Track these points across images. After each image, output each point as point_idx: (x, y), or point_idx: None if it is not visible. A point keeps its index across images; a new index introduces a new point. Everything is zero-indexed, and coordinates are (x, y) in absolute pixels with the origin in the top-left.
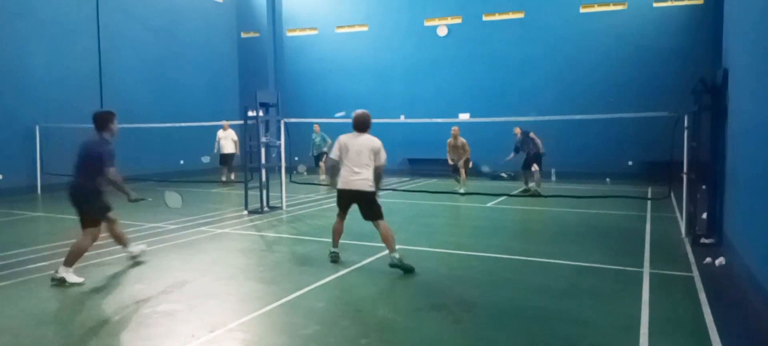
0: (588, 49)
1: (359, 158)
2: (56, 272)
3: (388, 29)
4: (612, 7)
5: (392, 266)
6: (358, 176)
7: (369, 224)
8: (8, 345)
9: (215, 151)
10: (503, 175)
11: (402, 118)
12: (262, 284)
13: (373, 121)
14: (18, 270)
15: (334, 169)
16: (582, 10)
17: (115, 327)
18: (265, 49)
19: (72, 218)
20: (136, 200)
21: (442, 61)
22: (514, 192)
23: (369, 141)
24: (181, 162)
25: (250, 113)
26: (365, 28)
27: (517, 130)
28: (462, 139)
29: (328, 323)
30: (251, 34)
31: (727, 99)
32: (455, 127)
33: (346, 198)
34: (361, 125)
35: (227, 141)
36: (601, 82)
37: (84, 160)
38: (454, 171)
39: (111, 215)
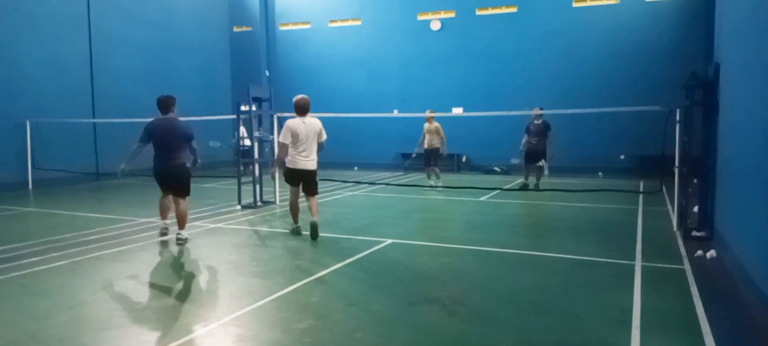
0: (581, 44)
1: (308, 141)
2: (179, 234)
3: (382, 23)
4: (605, 2)
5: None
6: (309, 158)
7: (363, 219)
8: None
9: (233, 140)
10: (496, 168)
11: (395, 113)
12: (255, 278)
13: (367, 115)
14: (9, 266)
15: (282, 156)
16: (575, 5)
17: (107, 322)
18: (258, 43)
19: (63, 213)
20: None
21: (436, 55)
22: (507, 186)
23: (315, 124)
24: None
25: (243, 108)
26: (358, 23)
27: (538, 112)
28: (436, 123)
29: (322, 317)
30: (244, 29)
31: (719, 94)
32: (429, 110)
33: (298, 177)
34: (305, 109)
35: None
36: (594, 76)
37: (177, 141)
38: (428, 163)
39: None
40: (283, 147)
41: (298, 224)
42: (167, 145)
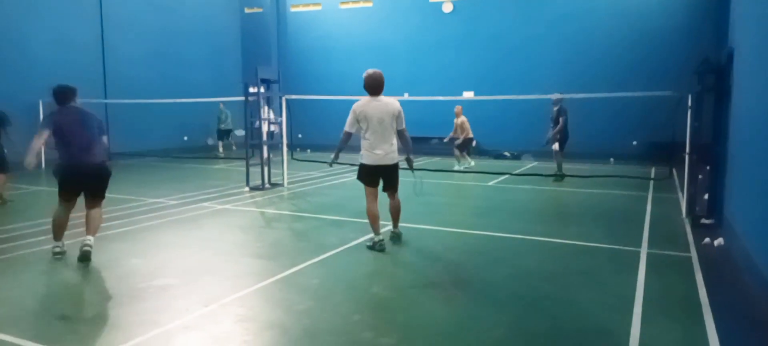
0: (592, 28)
1: (382, 127)
2: (88, 240)
3: (393, 5)
4: None
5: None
6: (387, 149)
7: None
8: (4, 317)
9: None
10: (506, 153)
11: (405, 96)
12: (259, 259)
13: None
14: (19, 243)
15: (343, 144)
16: None
17: (109, 301)
18: (268, 24)
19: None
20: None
21: (447, 38)
22: (516, 171)
23: (391, 106)
24: (185, 138)
25: (251, 90)
26: (369, 5)
27: (556, 96)
28: (462, 117)
29: (321, 299)
30: (254, 10)
31: (732, 79)
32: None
33: (377, 173)
34: (377, 87)
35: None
36: (605, 61)
37: (92, 133)
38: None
39: None
40: (346, 136)
41: (380, 236)
42: (81, 140)
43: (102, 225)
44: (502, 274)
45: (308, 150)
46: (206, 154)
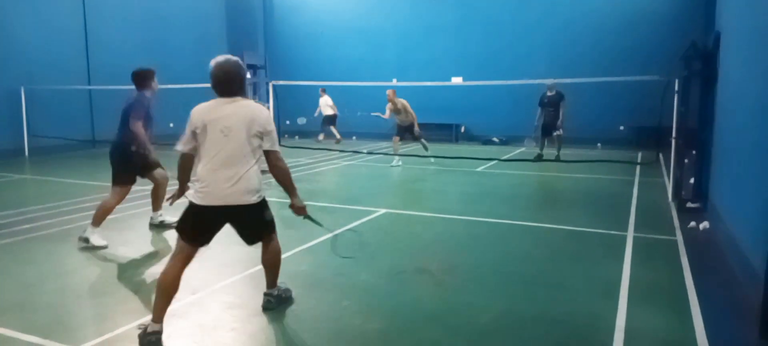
0: (580, 13)
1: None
2: (84, 231)
3: None
4: None
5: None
6: (231, 181)
7: (359, 189)
8: None
9: (315, 115)
10: (495, 139)
11: (394, 82)
12: (246, 247)
13: (365, 84)
14: (3, 232)
15: (184, 169)
16: None
17: (95, 290)
18: (254, 9)
19: (59, 180)
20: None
21: (436, 24)
22: (505, 157)
23: (245, 111)
24: (171, 125)
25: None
26: None
27: (552, 82)
28: (402, 101)
29: (310, 285)
30: None
31: (718, 64)
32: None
33: (210, 218)
34: (225, 84)
35: (325, 107)
36: (593, 46)
37: (121, 117)
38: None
39: (158, 175)
40: (181, 159)
41: (158, 326)
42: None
43: (88, 213)
44: (491, 259)
45: (296, 136)
46: None
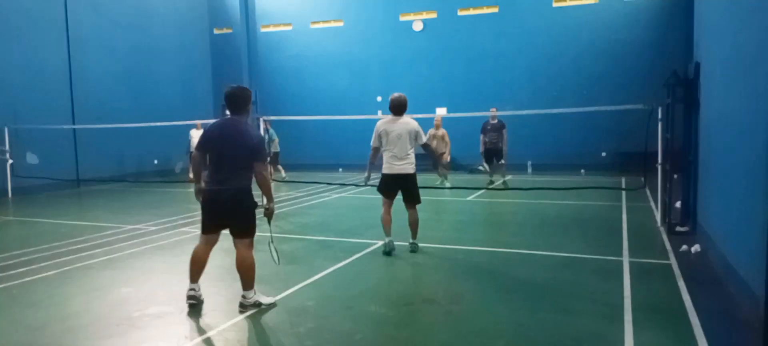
0: (562, 43)
1: (401, 142)
2: (245, 298)
3: (364, 24)
4: (584, 1)
5: (412, 251)
6: (402, 162)
7: (353, 221)
8: None
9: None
10: (480, 168)
11: (379, 114)
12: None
13: (350, 117)
14: (1, 276)
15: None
16: (555, 5)
17: (103, 331)
18: (239, 45)
19: (47, 221)
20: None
21: (418, 56)
22: (492, 186)
23: (409, 124)
24: (155, 162)
25: (228, 111)
26: (340, 24)
27: (494, 112)
28: (443, 130)
29: (320, 320)
30: (224, 31)
31: (699, 91)
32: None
33: (392, 183)
34: (399, 108)
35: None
36: (575, 75)
37: (238, 154)
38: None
39: None
40: (373, 150)
41: (390, 238)
42: (221, 160)
43: (84, 254)
44: (494, 287)
45: (283, 172)
46: (179, 177)
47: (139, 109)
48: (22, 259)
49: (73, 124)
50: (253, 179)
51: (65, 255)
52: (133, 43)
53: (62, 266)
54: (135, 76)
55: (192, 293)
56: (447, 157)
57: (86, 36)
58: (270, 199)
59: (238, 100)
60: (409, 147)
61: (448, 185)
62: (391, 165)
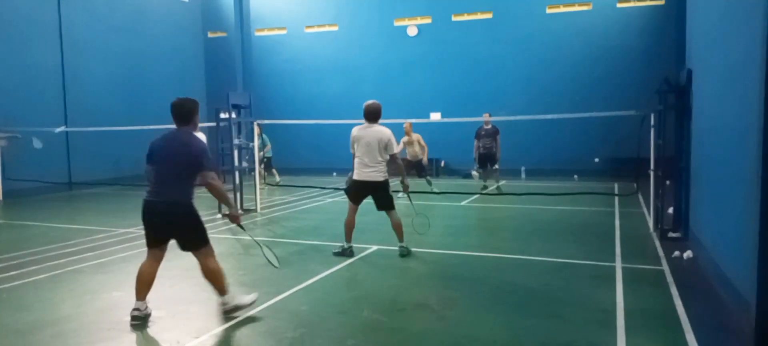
0: (555, 49)
1: (369, 150)
2: (224, 304)
3: (358, 29)
4: (577, 8)
5: (401, 255)
6: (370, 169)
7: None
8: None
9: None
10: (474, 173)
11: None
12: (243, 288)
13: (344, 122)
14: None
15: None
16: (548, 11)
17: (92, 336)
18: (233, 49)
19: (39, 224)
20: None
21: (413, 61)
22: (486, 191)
23: (380, 133)
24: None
25: (223, 115)
26: (335, 28)
27: (487, 117)
28: (417, 135)
29: (313, 325)
30: (218, 34)
31: (691, 98)
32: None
33: (359, 188)
34: (371, 115)
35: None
36: (568, 81)
37: (179, 163)
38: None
39: None
40: (353, 155)
41: (350, 244)
42: (162, 170)
43: (75, 257)
44: (487, 292)
45: (278, 176)
46: None
47: (132, 113)
48: (13, 262)
49: (66, 126)
50: (195, 190)
51: (56, 259)
52: (127, 46)
53: (53, 269)
54: (128, 80)
55: (136, 313)
56: (425, 160)
57: (80, 40)
58: (228, 205)
59: (183, 112)
60: (378, 156)
61: (435, 190)
62: (360, 171)
